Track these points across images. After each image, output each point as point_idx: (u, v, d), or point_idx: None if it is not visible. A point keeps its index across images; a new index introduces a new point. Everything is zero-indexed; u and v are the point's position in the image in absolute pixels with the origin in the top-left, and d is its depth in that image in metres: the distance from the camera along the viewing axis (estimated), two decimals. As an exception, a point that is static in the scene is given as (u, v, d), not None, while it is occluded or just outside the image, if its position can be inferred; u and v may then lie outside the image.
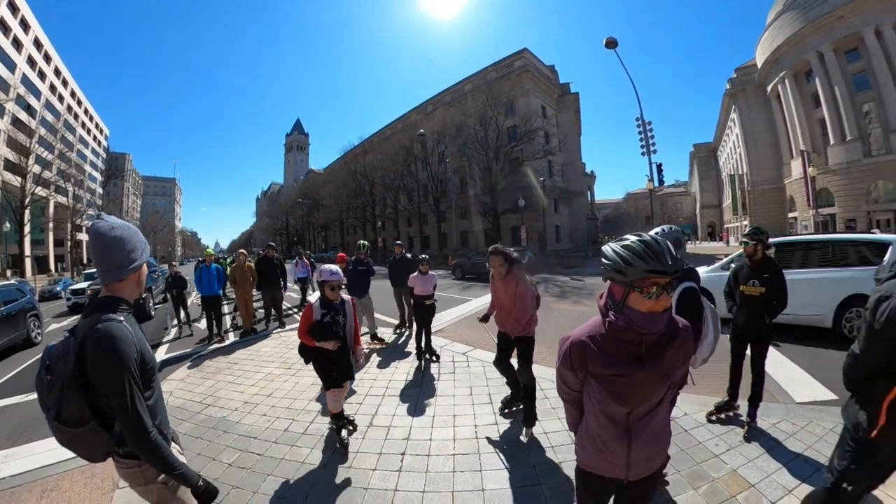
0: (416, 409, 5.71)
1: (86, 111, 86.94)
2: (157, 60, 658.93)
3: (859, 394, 2.40)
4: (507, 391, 5.74)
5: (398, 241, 11.91)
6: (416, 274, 8.02)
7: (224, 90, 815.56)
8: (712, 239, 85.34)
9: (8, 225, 43.09)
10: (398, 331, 10.44)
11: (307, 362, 4.77)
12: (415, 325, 8.26)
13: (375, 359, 8.28)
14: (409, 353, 8.38)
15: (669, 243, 1.82)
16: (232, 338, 11.05)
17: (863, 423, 2.33)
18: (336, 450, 4.67)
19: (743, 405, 4.87)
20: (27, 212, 48.64)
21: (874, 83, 41.70)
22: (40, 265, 58.31)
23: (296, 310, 14.85)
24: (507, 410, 5.46)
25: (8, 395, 7.73)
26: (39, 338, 12.81)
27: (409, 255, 10.34)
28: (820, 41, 45.82)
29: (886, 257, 7.69)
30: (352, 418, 5.18)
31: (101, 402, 1.97)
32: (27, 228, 48.92)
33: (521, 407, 5.19)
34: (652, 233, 3.42)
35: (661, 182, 26.54)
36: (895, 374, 2.20)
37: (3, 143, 51.72)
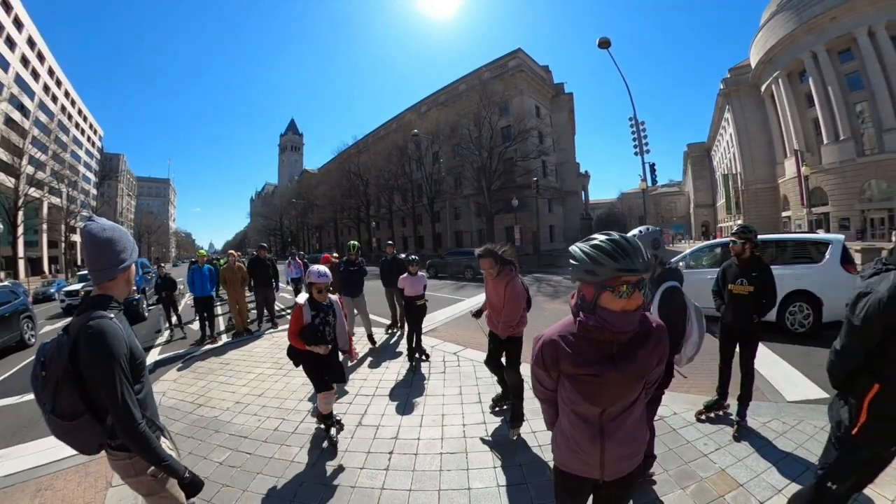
0: (406, 409, 5.72)
1: (80, 111, 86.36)
2: (151, 61, 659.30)
3: (843, 391, 2.41)
4: (496, 390, 5.76)
5: (390, 242, 11.99)
6: (405, 275, 8.03)
7: (219, 90, 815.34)
8: (706, 238, 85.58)
9: (1, 226, 42.82)
10: (390, 331, 10.46)
11: (297, 365, 4.78)
12: (406, 325, 8.26)
13: (367, 359, 8.28)
14: (400, 354, 8.38)
15: (640, 241, 1.81)
16: (224, 338, 11.04)
17: (845, 420, 2.34)
18: (324, 449, 4.69)
19: (733, 404, 4.86)
20: (20, 213, 48.32)
21: (867, 83, 42.02)
22: (34, 267, 57.74)
23: (289, 311, 14.69)
24: (497, 408, 5.47)
25: (2, 396, 7.70)
26: (33, 340, 12.72)
27: (401, 256, 10.36)
28: (813, 41, 46.10)
29: (827, 255, 8.47)
30: (339, 418, 5.18)
31: (94, 395, 2.05)
32: (20, 230, 48.58)
33: (508, 405, 5.21)
34: (631, 233, 3.43)
35: (654, 181, 26.62)
36: (875, 371, 2.21)
37: (-4, 144, 51.24)
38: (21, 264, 51.67)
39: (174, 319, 12.22)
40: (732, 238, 4.93)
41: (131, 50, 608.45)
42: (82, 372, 2.03)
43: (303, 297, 4.65)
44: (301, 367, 4.77)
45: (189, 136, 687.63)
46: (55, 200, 62.44)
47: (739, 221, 62.61)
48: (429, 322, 10.79)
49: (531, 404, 5.30)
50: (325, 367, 4.67)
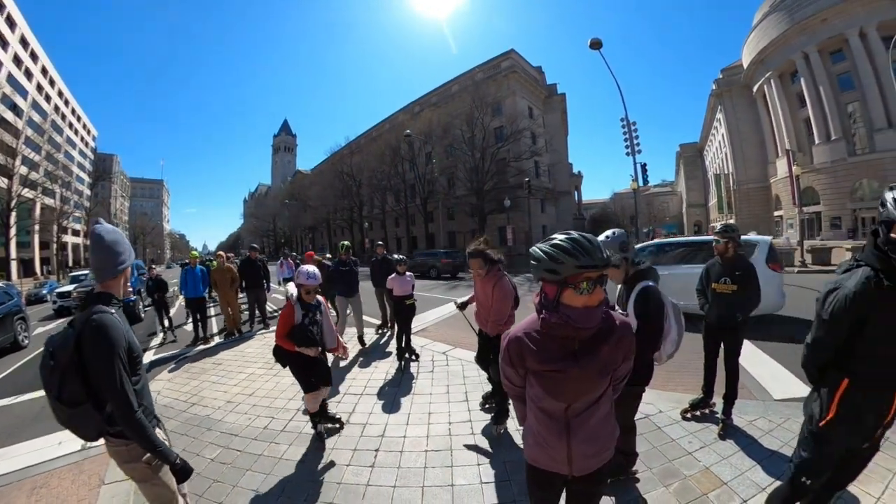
0: (393, 407, 5.78)
1: (73, 111, 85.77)
2: (144, 61, 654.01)
3: (817, 385, 2.47)
4: (484, 389, 5.84)
5: (380, 242, 12.03)
6: (393, 275, 8.10)
7: (212, 91, 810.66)
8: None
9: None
10: (380, 331, 10.51)
11: (284, 366, 4.83)
12: (396, 325, 8.30)
13: (357, 359, 8.34)
14: (390, 353, 8.43)
15: (608, 245, 1.87)
16: (217, 339, 11.05)
17: (815, 414, 2.40)
18: (312, 446, 4.76)
19: (719, 402, 4.87)
20: (13, 214, 48.09)
21: (858, 84, 42.24)
22: (26, 268, 57.62)
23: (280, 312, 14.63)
24: (486, 405, 5.53)
25: (-3, 397, 7.71)
26: (27, 341, 12.68)
27: (393, 256, 10.39)
28: (805, 42, 46.28)
29: (755, 254, 8.97)
30: (338, 416, 5.27)
31: (96, 385, 2.25)
32: (13, 231, 48.36)
33: (495, 404, 5.27)
34: (601, 237, 3.49)
35: (645, 181, 26.76)
36: (844, 366, 2.28)
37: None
38: (13, 265, 51.40)
39: (166, 323, 12.09)
40: (715, 237, 4.94)
41: (125, 52, 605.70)
42: (86, 362, 2.22)
43: (293, 288, 4.71)
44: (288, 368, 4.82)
45: (182, 137, 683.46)
46: (48, 201, 62.02)
47: (731, 221, 62.80)
48: (419, 322, 10.84)
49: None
50: (312, 368, 4.71)
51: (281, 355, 4.75)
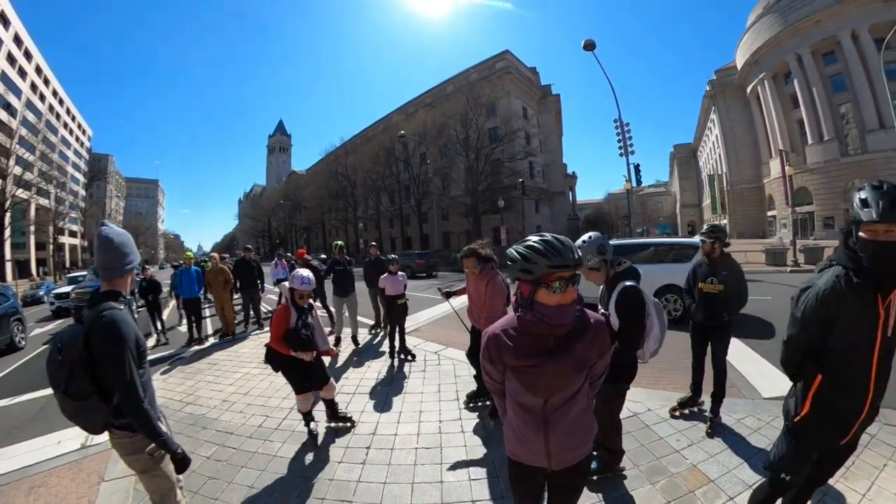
0: (384, 406, 5.85)
1: (68, 111, 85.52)
2: (138, 61, 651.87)
3: (795, 382, 2.51)
4: (475, 387, 5.86)
5: (373, 243, 12.05)
6: (385, 275, 8.12)
7: (206, 91, 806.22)
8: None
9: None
10: (373, 331, 10.56)
11: (276, 370, 4.84)
12: (388, 325, 8.34)
13: (350, 358, 8.39)
14: (382, 353, 8.44)
15: (585, 249, 1.95)
16: (212, 340, 11.08)
17: (791, 410, 2.46)
18: (305, 444, 4.83)
19: (707, 401, 4.89)
20: (7, 214, 47.94)
21: (850, 85, 42.63)
22: (21, 269, 57.28)
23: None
24: (471, 404, 5.60)
25: (-6, 398, 7.72)
26: (23, 342, 12.64)
27: (390, 257, 10.44)
28: (798, 44, 46.63)
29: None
30: (349, 416, 5.34)
31: (103, 379, 2.35)
32: (7, 232, 48.19)
33: (487, 402, 5.36)
34: (578, 241, 3.56)
35: (638, 182, 26.85)
36: (818, 362, 2.33)
37: (-18, 145, 50.60)
38: (8, 267, 51.23)
39: (159, 325, 11.96)
40: (702, 237, 5.02)
41: (119, 50, 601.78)
42: (95, 356, 2.32)
43: (286, 289, 4.79)
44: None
45: (178, 137, 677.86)
46: (43, 202, 61.86)
47: (725, 221, 63.13)
48: (412, 322, 10.86)
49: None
50: (305, 373, 4.73)
51: (273, 360, 4.74)
